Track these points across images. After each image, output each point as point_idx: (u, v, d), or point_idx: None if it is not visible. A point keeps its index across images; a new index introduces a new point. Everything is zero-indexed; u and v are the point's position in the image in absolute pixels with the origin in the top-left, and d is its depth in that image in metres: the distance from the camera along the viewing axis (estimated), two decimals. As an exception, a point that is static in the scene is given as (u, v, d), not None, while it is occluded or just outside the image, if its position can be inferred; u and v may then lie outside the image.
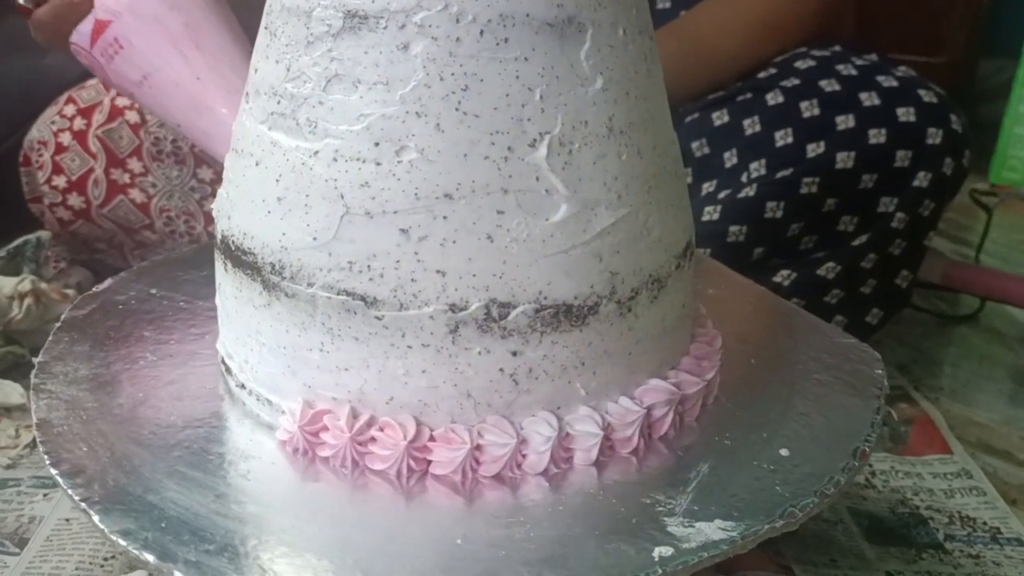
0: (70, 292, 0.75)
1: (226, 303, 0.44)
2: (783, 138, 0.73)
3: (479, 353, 0.39)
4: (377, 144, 0.38)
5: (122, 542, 0.35)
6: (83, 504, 0.36)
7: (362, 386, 0.40)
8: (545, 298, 0.39)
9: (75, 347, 0.49)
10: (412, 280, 0.38)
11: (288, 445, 0.40)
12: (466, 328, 0.38)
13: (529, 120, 0.38)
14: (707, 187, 0.76)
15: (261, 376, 0.43)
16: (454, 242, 0.38)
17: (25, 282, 0.72)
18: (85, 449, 0.40)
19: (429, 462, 0.39)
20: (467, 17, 0.37)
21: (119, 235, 0.82)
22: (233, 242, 0.42)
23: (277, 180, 0.40)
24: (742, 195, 0.73)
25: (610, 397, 0.42)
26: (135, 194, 0.80)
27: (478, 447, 0.39)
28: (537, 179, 0.38)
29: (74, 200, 0.81)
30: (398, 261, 0.38)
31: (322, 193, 0.38)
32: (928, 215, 0.73)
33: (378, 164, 0.38)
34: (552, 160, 0.38)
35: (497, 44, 0.37)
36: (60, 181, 0.80)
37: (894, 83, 0.73)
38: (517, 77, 0.37)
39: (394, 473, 0.39)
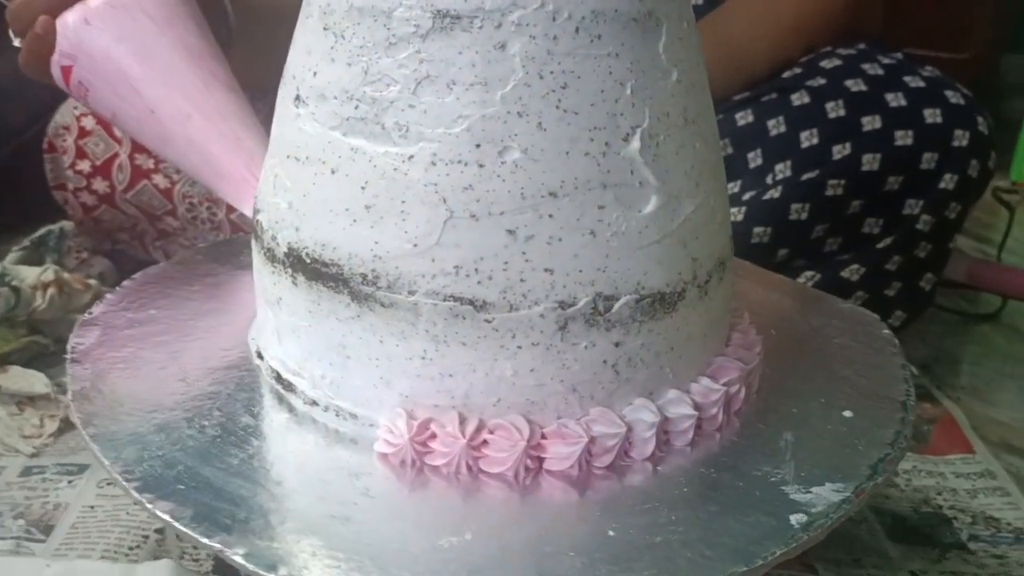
0: (92, 282, 0.74)
1: (294, 319, 0.42)
2: (808, 139, 0.73)
3: (585, 347, 0.39)
4: (479, 145, 0.37)
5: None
6: (217, 544, 0.34)
7: (467, 391, 0.39)
8: (643, 288, 0.40)
9: (103, 379, 0.45)
10: (521, 280, 0.38)
11: (393, 458, 0.39)
12: (574, 324, 0.39)
13: (622, 115, 0.38)
14: (731, 188, 0.75)
15: (346, 391, 0.41)
16: (560, 240, 0.38)
17: (48, 272, 0.71)
18: (182, 487, 0.37)
19: (542, 459, 0.40)
20: (563, 15, 0.37)
21: (142, 222, 0.81)
22: (307, 254, 0.40)
23: (363, 188, 0.38)
24: (767, 196, 0.73)
25: (691, 379, 0.43)
26: (159, 179, 0.79)
27: (591, 439, 0.40)
28: (631, 172, 0.39)
29: (98, 184, 0.80)
30: (506, 262, 0.38)
31: (420, 198, 0.38)
32: (954, 217, 0.73)
33: (481, 166, 0.37)
34: (644, 153, 0.39)
35: (591, 41, 0.37)
36: (84, 166, 0.80)
37: (921, 83, 0.73)
38: (610, 72, 0.38)
39: (511, 474, 0.39)
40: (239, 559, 0.33)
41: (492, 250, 0.38)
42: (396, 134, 0.38)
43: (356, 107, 0.38)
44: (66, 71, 0.55)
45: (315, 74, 0.40)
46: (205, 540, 0.34)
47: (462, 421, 0.39)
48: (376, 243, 0.38)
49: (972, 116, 0.72)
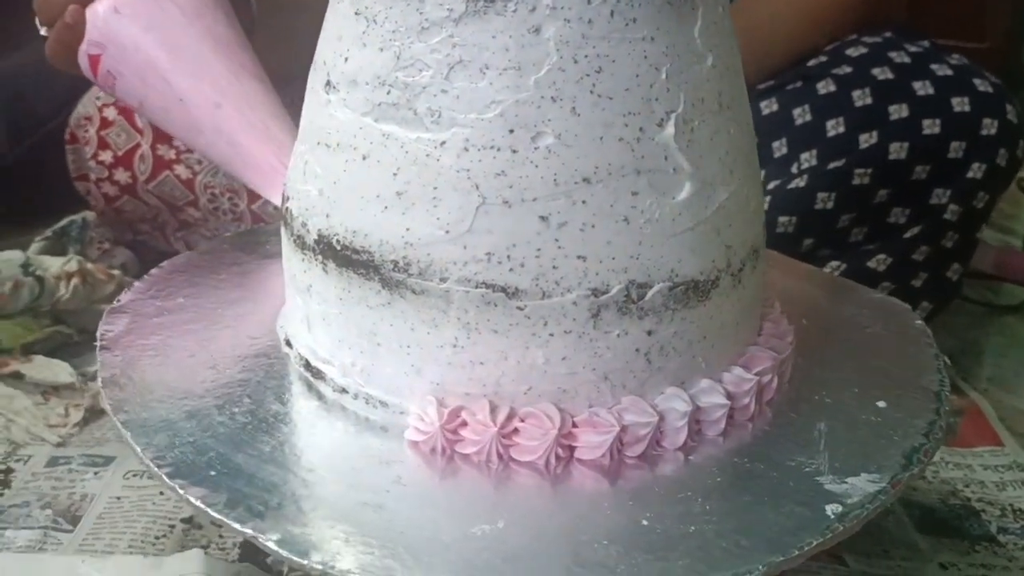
0: (115, 273, 0.75)
1: (325, 306, 0.42)
2: (834, 128, 0.73)
3: (618, 335, 0.39)
4: (512, 131, 0.37)
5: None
6: (259, 537, 0.34)
7: (499, 378, 0.39)
8: (676, 276, 0.39)
9: (133, 365, 0.45)
10: (554, 267, 0.38)
11: (424, 445, 0.39)
12: (607, 311, 0.38)
13: (657, 100, 0.38)
14: None
15: (376, 378, 0.41)
16: (593, 226, 0.38)
17: (72, 262, 0.72)
18: (214, 473, 0.37)
19: (573, 448, 0.39)
20: (597, -2, 0.36)
21: (163, 213, 0.81)
22: (338, 241, 0.40)
23: (395, 174, 0.38)
24: (792, 186, 0.72)
25: (723, 368, 0.43)
26: (180, 170, 0.80)
27: (623, 428, 0.39)
28: (666, 158, 0.38)
29: (120, 175, 0.80)
30: (539, 249, 0.37)
31: (453, 184, 0.37)
32: (982, 207, 0.73)
33: (514, 151, 0.37)
34: (679, 139, 0.38)
35: (626, 24, 0.37)
36: (106, 156, 0.80)
37: (948, 72, 0.72)
38: (645, 57, 0.38)
39: (542, 463, 0.39)
40: (272, 545, 0.33)
41: (525, 237, 0.37)
42: (428, 120, 0.37)
43: (388, 92, 0.38)
44: (94, 60, 0.56)
45: (346, 60, 0.40)
46: (238, 526, 0.34)
47: (493, 409, 0.39)
48: (407, 230, 0.38)
49: (1001, 104, 0.72)
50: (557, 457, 0.39)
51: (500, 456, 0.39)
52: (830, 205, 0.72)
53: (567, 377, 0.39)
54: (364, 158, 0.39)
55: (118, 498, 0.57)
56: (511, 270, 0.38)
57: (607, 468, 0.39)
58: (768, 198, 0.73)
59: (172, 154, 0.79)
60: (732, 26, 0.42)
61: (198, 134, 0.55)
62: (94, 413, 0.66)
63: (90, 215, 0.81)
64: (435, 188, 0.38)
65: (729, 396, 0.42)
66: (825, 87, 0.75)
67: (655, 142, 0.38)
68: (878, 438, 0.41)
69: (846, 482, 0.38)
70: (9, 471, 0.60)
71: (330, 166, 0.41)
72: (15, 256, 0.73)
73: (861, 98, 0.73)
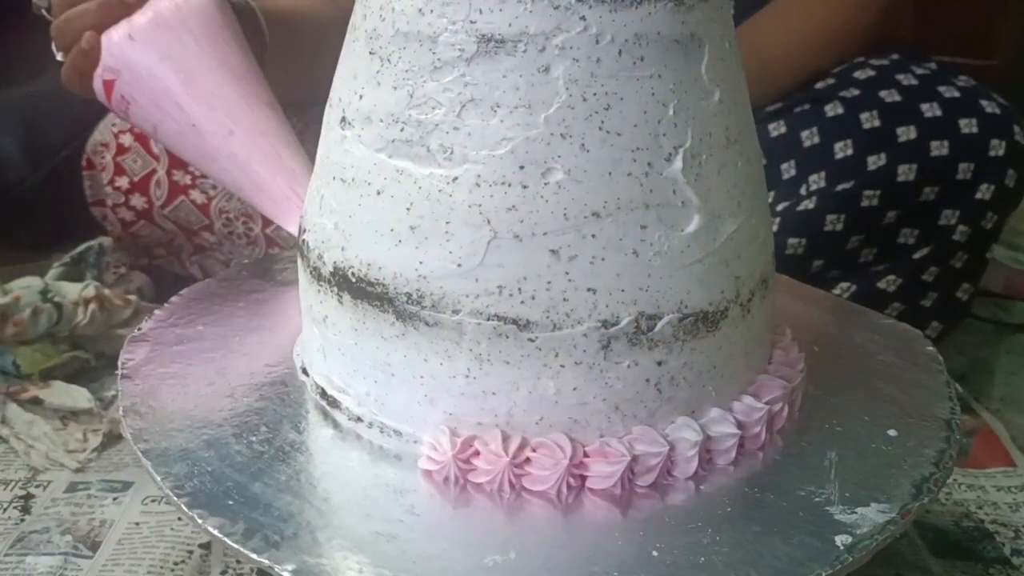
0: (132, 298, 0.76)
1: (341, 337, 0.43)
2: (843, 150, 0.73)
3: (628, 366, 0.39)
4: (522, 167, 0.38)
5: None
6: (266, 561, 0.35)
7: (510, 409, 0.40)
8: (686, 307, 0.40)
9: (154, 394, 0.46)
10: (564, 300, 0.38)
11: (437, 475, 0.40)
12: (617, 343, 0.39)
13: (664, 135, 0.39)
14: None
15: (390, 408, 0.42)
16: (603, 259, 0.38)
17: (89, 288, 0.73)
18: (231, 502, 0.38)
19: (584, 477, 0.40)
20: (606, 38, 0.37)
21: (179, 237, 0.82)
22: (353, 273, 0.41)
23: (408, 208, 0.39)
24: (801, 207, 0.73)
25: (733, 397, 0.43)
26: (196, 195, 0.81)
27: (634, 458, 0.40)
28: (674, 192, 0.39)
29: (136, 201, 0.82)
30: (549, 282, 0.38)
31: (465, 219, 0.38)
32: (991, 228, 0.73)
33: (524, 187, 0.38)
34: (686, 172, 0.39)
35: (634, 63, 0.38)
36: (123, 182, 0.81)
37: (956, 94, 0.72)
38: (653, 94, 0.38)
39: (554, 492, 0.39)
40: (288, 575, 0.34)
41: (535, 270, 0.38)
42: (441, 156, 0.38)
43: (402, 129, 0.39)
44: (108, 85, 0.57)
45: (361, 97, 0.41)
46: (255, 556, 0.35)
47: (505, 439, 0.40)
48: (421, 263, 0.39)
49: (1008, 126, 0.72)
50: (568, 487, 0.39)
51: (512, 486, 0.39)
52: (839, 227, 0.73)
53: (578, 407, 0.40)
54: (379, 193, 0.40)
55: (137, 524, 0.58)
56: (522, 303, 0.38)
57: (618, 498, 0.40)
58: (777, 220, 0.74)
59: (187, 180, 0.81)
60: (740, 60, 0.43)
61: (211, 160, 0.56)
62: (112, 438, 0.67)
63: (107, 241, 0.82)
64: (448, 223, 0.38)
65: (739, 425, 0.42)
66: (833, 109, 0.75)
67: (663, 176, 0.39)
68: (888, 467, 0.42)
69: (856, 512, 0.38)
70: (29, 497, 0.61)
71: (345, 200, 0.42)
72: (34, 283, 0.74)
73: (869, 120, 0.74)
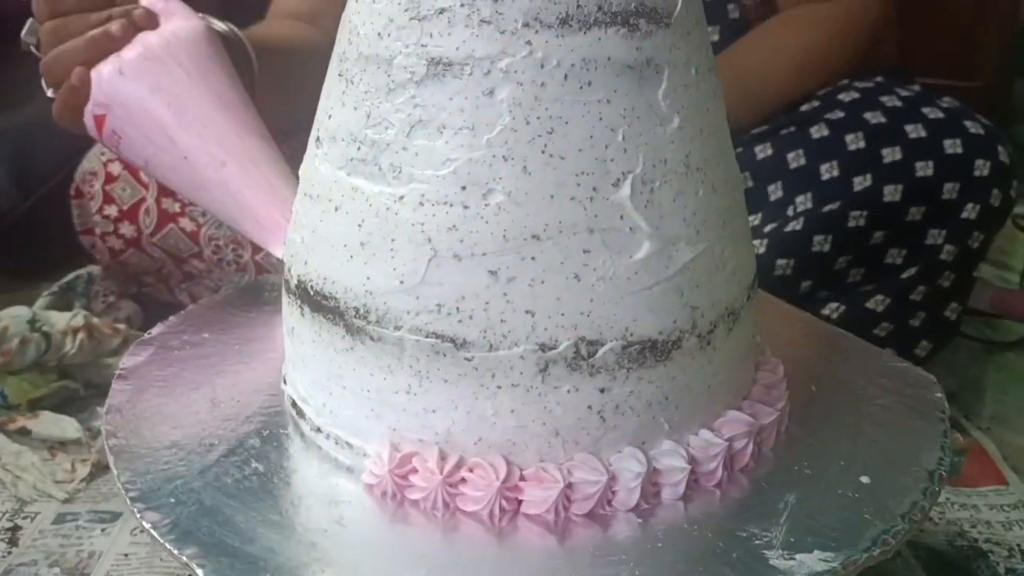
0: (121, 327, 0.76)
1: (301, 347, 0.44)
2: (829, 171, 0.74)
3: (568, 392, 0.39)
4: (464, 188, 0.38)
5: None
6: (183, 557, 0.36)
7: (450, 427, 0.40)
8: (631, 334, 0.39)
9: (140, 395, 0.48)
10: (502, 321, 0.38)
11: (376, 489, 0.40)
12: (555, 367, 0.39)
13: (612, 160, 0.38)
14: (752, 220, 0.76)
15: (341, 420, 0.43)
16: (542, 282, 0.38)
17: (78, 317, 0.73)
18: (172, 500, 0.40)
19: (520, 501, 0.39)
20: (552, 62, 0.37)
21: (168, 265, 0.83)
22: (312, 287, 0.42)
23: (360, 225, 0.40)
24: (788, 229, 0.73)
25: (691, 430, 0.42)
26: (185, 223, 0.81)
27: (569, 485, 0.39)
28: (621, 218, 0.39)
29: (125, 229, 0.82)
30: (487, 303, 0.38)
31: (408, 237, 0.39)
32: (977, 247, 0.73)
33: (466, 207, 0.38)
34: (635, 198, 0.39)
35: (580, 87, 0.38)
36: (111, 210, 0.82)
37: (940, 115, 0.73)
38: (600, 119, 0.38)
39: (486, 514, 0.39)
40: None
41: (473, 290, 0.38)
42: (390, 175, 0.39)
43: (359, 148, 0.40)
44: (99, 120, 0.57)
45: (330, 117, 0.42)
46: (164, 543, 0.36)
47: (443, 457, 0.40)
48: (368, 279, 0.40)
49: (993, 146, 0.72)
50: (502, 509, 0.39)
51: (447, 505, 0.39)
52: (827, 247, 0.73)
53: (516, 430, 0.39)
54: (336, 209, 0.41)
55: (126, 555, 0.58)
56: (460, 322, 0.38)
57: (554, 525, 0.39)
58: (765, 241, 0.74)
59: (176, 207, 0.81)
60: (714, 87, 0.42)
61: (203, 191, 0.57)
62: (100, 468, 0.66)
63: (95, 269, 0.82)
64: (393, 240, 0.39)
65: (692, 460, 0.41)
66: (818, 131, 0.76)
67: (610, 201, 0.38)
68: (849, 515, 0.40)
69: (794, 559, 0.36)
70: (16, 528, 0.60)
71: (311, 216, 0.43)
72: (22, 312, 0.73)
73: (854, 142, 0.74)
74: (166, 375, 0.51)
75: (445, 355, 0.39)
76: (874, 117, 0.74)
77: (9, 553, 0.57)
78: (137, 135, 0.57)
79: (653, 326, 0.40)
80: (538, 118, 0.38)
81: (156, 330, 0.55)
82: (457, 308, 0.38)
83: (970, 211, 0.72)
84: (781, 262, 0.73)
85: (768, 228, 0.75)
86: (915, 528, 0.39)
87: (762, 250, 0.73)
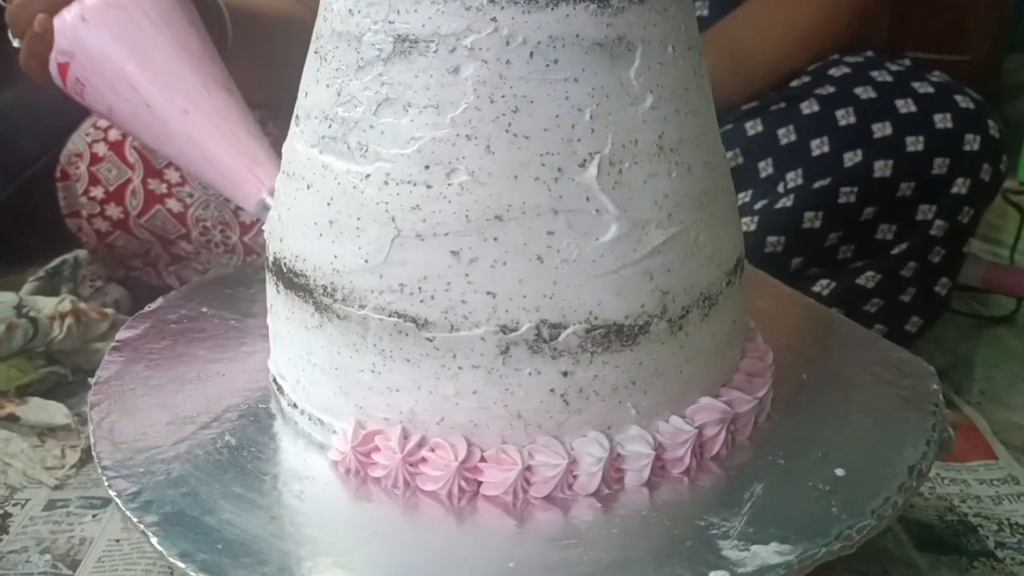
0: (109, 311, 0.76)
1: (278, 324, 0.44)
2: (819, 147, 0.73)
3: (529, 374, 0.39)
4: (428, 167, 0.38)
5: (180, 564, 0.35)
6: (141, 526, 0.37)
7: (413, 407, 0.40)
8: (596, 318, 0.39)
9: (130, 367, 0.49)
10: (463, 302, 0.38)
11: (340, 465, 0.41)
12: (517, 349, 0.38)
13: (579, 140, 0.38)
14: (742, 197, 0.76)
15: (313, 397, 0.43)
16: (504, 264, 0.38)
17: (65, 302, 0.72)
18: (142, 470, 0.41)
19: (480, 483, 0.39)
20: (517, 39, 0.37)
21: (155, 247, 0.83)
22: (285, 264, 0.43)
23: (328, 203, 0.40)
24: (779, 205, 0.73)
25: (661, 416, 0.41)
26: (172, 204, 0.81)
27: (529, 468, 0.39)
28: (587, 199, 0.38)
29: (112, 210, 0.81)
30: (449, 283, 0.38)
31: (373, 216, 0.39)
32: (967, 222, 0.73)
33: (429, 187, 0.38)
34: (602, 180, 0.38)
35: (547, 65, 0.37)
36: (98, 192, 0.81)
37: (930, 89, 0.73)
38: (567, 98, 0.37)
39: (445, 494, 0.39)
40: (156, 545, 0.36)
41: (436, 270, 0.38)
42: (358, 153, 0.39)
43: (329, 126, 0.40)
44: (63, 68, 0.57)
45: (306, 95, 0.42)
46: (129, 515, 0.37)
47: (405, 436, 0.40)
48: (335, 257, 0.40)
49: (983, 120, 0.72)
50: (461, 490, 0.39)
51: (407, 483, 0.40)
52: (817, 224, 0.73)
53: (478, 411, 0.39)
54: (308, 187, 0.41)
55: (117, 540, 0.57)
56: (422, 302, 0.38)
57: (513, 507, 0.39)
58: (756, 218, 0.74)
59: (163, 188, 0.80)
60: (695, 65, 0.41)
61: (167, 142, 0.56)
62: (90, 454, 0.61)
63: (82, 254, 0.81)
64: (359, 219, 0.39)
65: (659, 446, 0.40)
66: (809, 107, 0.75)
67: (575, 183, 0.38)
68: (816, 508, 0.39)
69: (748, 550, 0.36)
70: (7, 516, 0.60)
71: (287, 193, 0.43)
72: (8, 298, 0.72)
73: (845, 117, 0.73)
74: (160, 347, 0.52)
75: (407, 335, 0.39)
76: (864, 92, 0.74)
77: (0, 541, 0.57)
78: (100, 83, 0.56)
79: (619, 310, 0.39)
80: (502, 97, 0.37)
81: (155, 304, 0.56)
82: (419, 288, 0.38)
83: (960, 186, 0.71)
84: (772, 239, 0.73)
85: (759, 205, 0.75)
86: (884, 524, 0.38)
87: (753, 227, 0.73)
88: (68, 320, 0.71)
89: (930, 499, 0.61)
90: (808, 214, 0.72)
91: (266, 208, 0.51)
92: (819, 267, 0.75)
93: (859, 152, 0.72)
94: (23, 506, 0.61)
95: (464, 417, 0.39)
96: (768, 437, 0.44)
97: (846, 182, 0.72)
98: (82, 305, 0.73)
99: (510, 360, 0.38)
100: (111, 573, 0.55)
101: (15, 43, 0.61)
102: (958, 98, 0.72)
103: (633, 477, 0.40)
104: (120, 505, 0.38)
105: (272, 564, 0.35)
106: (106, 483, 0.40)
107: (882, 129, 0.72)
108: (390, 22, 0.38)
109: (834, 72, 0.77)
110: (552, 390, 0.39)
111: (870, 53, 0.79)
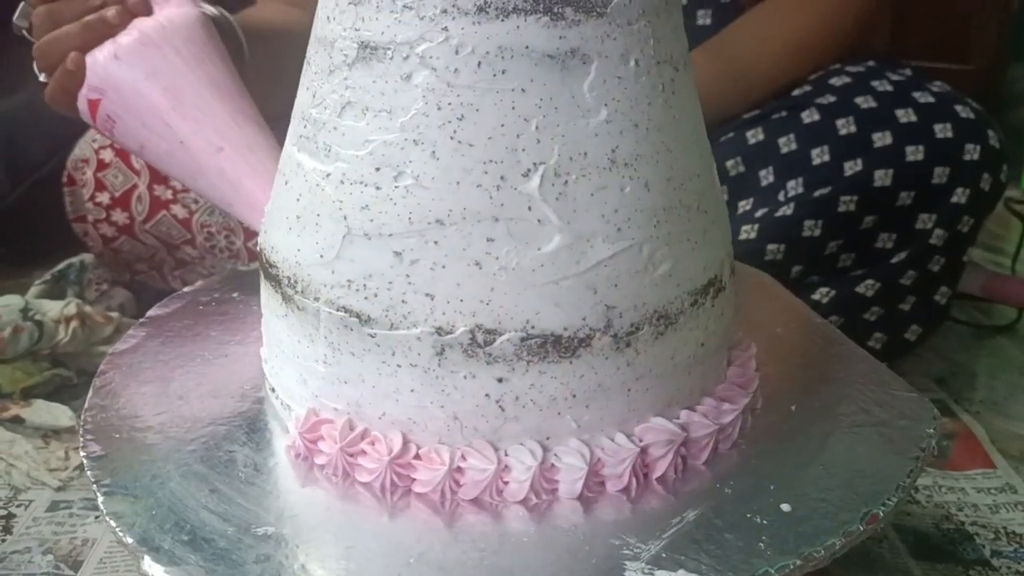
0: (114, 315, 0.77)
1: (263, 312, 0.47)
2: (820, 156, 0.73)
3: (464, 377, 0.39)
4: (378, 169, 0.39)
5: (113, 523, 0.38)
6: (94, 487, 0.40)
7: (359, 399, 0.41)
8: (532, 327, 0.39)
9: (147, 342, 0.53)
10: (403, 301, 0.39)
11: (292, 450, 0.43)
12: (452, 351, 0.39)
13: (523, 150, 0.38)
14: (743, 205, 0.76)
15: (282, 383, 0.45)
16: (443, 267, 0.39)
17: (71, 306, 0.74)
18: (117, 436, 0.44)
19: (413, 479, 0.40)
20: (466, 49, 0.38)
21: (160, 252, 0.84)
22: (264, 255, 0.45)
23: (298, 199, 0.42)
24: (779, 214, 0.73)
25: (607, 432, 0.41)
26: (177, 209, 0.82)
27: (459, 469, 0.40)
28: (529, 208, 0.38)
29: (118, 216, 0.83)
30: (391, 282, 0.39)
31: (330, 213, 0.40)
32: (967, 231, 0.73)
33: (378, 188, 0.39)
34: (545, 190, 0.38)
35: (494, 75, 0.38)
36: (104, 198, 0.82)
37: (930, 99, 0.72)
38: (513, 108, 0.38)
39: (378, 487, 0.40)
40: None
41: (380, 269, 0.39)
42: (323, 153, 0.41)
43: (305, 127, 0.42)
44: (93, 105, 0.57)
45: (297, 96, 0.45)
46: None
47: (351, 427, 0.41)
48: (298, 250, 0.42)
49: (983, 130, 0.72)
50: (394, 485, 0.40)
51: (346, 474, 0.41)
52: (817, 232, 0.72)
53: (416, 409, 0.40)
54: (286, 183, 0.44)
55: (119, 542, 0.60)
56: (366, 298, 0.40)
57: (443, 508, 0.40)
58: (756, 226, 0.73)
59: (169, 194, 0.81)
60: (666, 80, 0.41)
61: (199, 177, 0.57)
62: None
63: (88, 257, 0.82)
64: (318, 215, 0.41)
65: (597, 462, 0.40)
66: (809, 116, 0.75)
67: (518, 191, 0.38)
68: (743, 543, 0.37)
69: (654, 574, 0.35)
70: (10, 516, 0.60)
71: (275, 188, 0.46)
72: (14, 301, 0.72)
73: (845, 126, 0.73)
74: (180, 326, 0.56)
75: (352, 329, 0.40)
76: (865, 102, 0.73)
77: (3, 541, 0.58)
78: (132, 120, 0.57)
79: (557, 321, 0.39)
80: (449, 104, 0.38)
81: (196, 286, 0.60)
82: (364, 285, 0.40)
83: (960, 195, 0.71)
84: (772, 247, 0.72)
85: (759, 213, 0.74)
86: (808, 568, 0.36)
87: (753, 235, 0.73)
88: (73, 323, 0.72)
89: (927, 507, 0.61)
90: (808, 222, 0.72)
91: None
92: (819, 275, 0.75)
93: (859, 161, 0.72)
94: (27, 507, 0.62)
95: (403, 414, 0.41)
96: (727, 465, 0.43)
97: (846, 191, 0.72)
98: (87, 309, 0.75)
99: (445, 362, 0.39)
100: (112, 574, 0.56)
101: (41, 78, 0.62)
102: (958, 108, 0.72)
103: (566, 489, 0.40)
104: (97, 493, 0.41)
105: (215, 545, 0.37)
106: (80, 444, 0.43)
107: (882, 138, 0.71)
108: (356, 29, 0.40)
109: (835, 81, 0.76)
110: (487, 395, 0.39)
111: (871, 63, 0.78)
